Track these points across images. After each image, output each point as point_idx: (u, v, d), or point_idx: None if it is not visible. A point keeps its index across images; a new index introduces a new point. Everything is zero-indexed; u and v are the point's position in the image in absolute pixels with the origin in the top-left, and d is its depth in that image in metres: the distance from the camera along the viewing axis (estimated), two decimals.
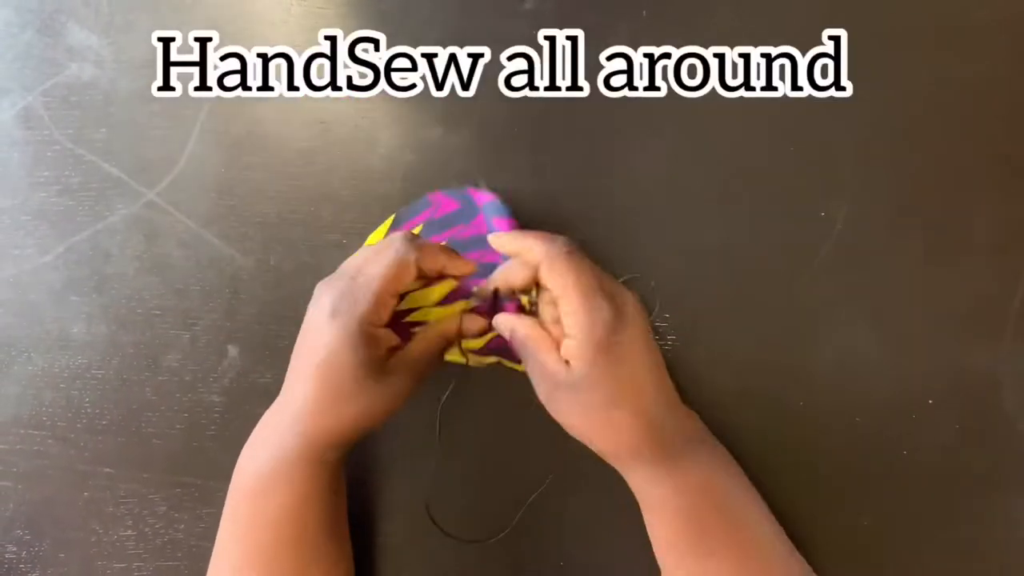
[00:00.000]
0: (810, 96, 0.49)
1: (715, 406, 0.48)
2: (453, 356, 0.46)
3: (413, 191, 0.50)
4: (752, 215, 0.49)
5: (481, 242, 0.45)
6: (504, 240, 0.42)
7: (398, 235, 0.42)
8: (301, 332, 0.43)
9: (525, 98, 0.50)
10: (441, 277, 0.43)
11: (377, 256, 0.41)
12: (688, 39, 0.50)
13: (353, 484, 0.47)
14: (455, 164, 0.50)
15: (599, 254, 0.49)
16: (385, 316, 0.40)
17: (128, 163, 0.51)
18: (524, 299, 0.44)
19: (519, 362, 0.43)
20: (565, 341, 0.40)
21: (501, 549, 0.49)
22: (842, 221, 0.49)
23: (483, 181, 0.49)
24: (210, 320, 0.51)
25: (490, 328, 0.43)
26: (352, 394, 0.40)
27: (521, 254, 0.41)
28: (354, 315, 0.39)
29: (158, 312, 0.51)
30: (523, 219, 0.49)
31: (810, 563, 0.45)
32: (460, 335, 0.42)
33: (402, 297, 0.42)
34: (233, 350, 0.51)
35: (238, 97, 0.51)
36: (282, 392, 0.43)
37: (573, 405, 0.40)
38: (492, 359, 0.47)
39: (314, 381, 0.40)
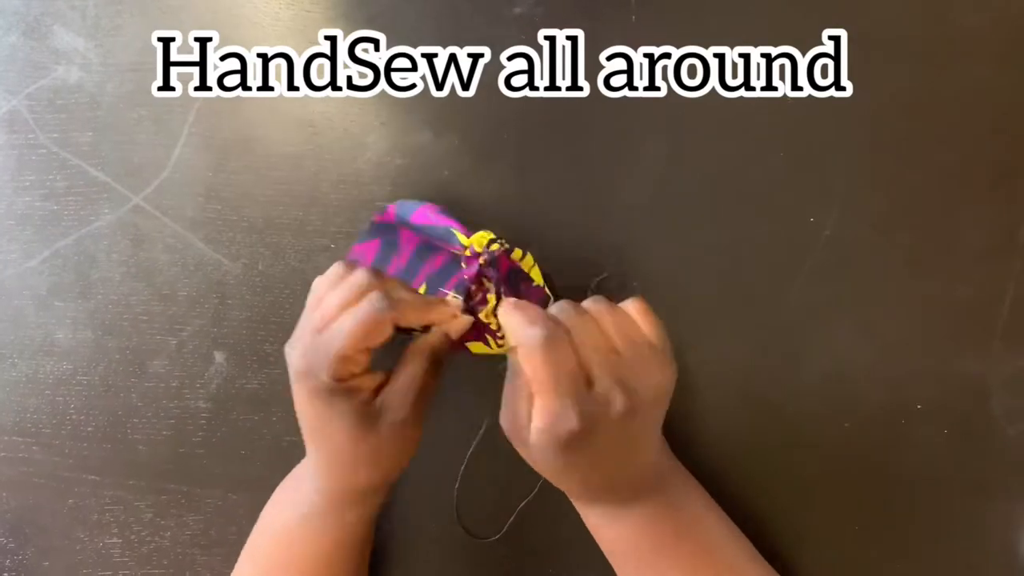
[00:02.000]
0: (802, 99, 0.49)
1: (703, 411, 0.48)
2: (479, 348, 0.43)
3: (402, 195, 0.50)
4: (741, 220, 0.49)
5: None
6: (501, 316, 0.37)
7: (371, 287, 0.37)
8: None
9: (516, 100, 0.50)
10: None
11: (349, 311, 0.37)
12: (678, 44, 0.50)
13: None
14: (444, 168, 0.50)
15: (588, 257, 0.49)
16: (357, 368, 0.37)
17: (114, 167, 0.51)
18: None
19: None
20: (533, 412, 0.35)
21: (491, 554, 0.48)
22: (831, 227, 0.49)
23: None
24: (197, 326, 0.50)
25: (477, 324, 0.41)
26: (350, 448, 0.38)
27: (509, 334, 0.36)
28: (320, 378, 0.36)
29: (144, 318, 0.51)
30: (511, 223, 0.49)
31: (798, 568, 0.45)
32: (445, 345, 0.40)
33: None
34: (220, 356, 0.50)
35: (223, 100, 0.51)
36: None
37: (526, 456, 0.37)
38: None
39: (312, 445, 0.39)
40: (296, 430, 0.49)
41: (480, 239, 0.43)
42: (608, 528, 0.41)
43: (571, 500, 0.42)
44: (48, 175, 0.51)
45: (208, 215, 0.51)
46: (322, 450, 0.39)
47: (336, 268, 0.39)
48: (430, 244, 0.46)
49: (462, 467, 0.49)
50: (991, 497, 0.48)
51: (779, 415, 0.49)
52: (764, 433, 0.49)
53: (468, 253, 0.42)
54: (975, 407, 0.48)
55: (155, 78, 0.51)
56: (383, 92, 0.51)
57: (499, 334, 0.42)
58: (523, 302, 0.37)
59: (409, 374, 0.38)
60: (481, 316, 0.42)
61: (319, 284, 0.40)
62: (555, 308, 0.37)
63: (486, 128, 0.50)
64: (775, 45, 0.49)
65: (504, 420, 0.37)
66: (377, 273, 0.38)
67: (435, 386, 0.39)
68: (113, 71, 0.51)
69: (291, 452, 0.45)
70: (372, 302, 0.36)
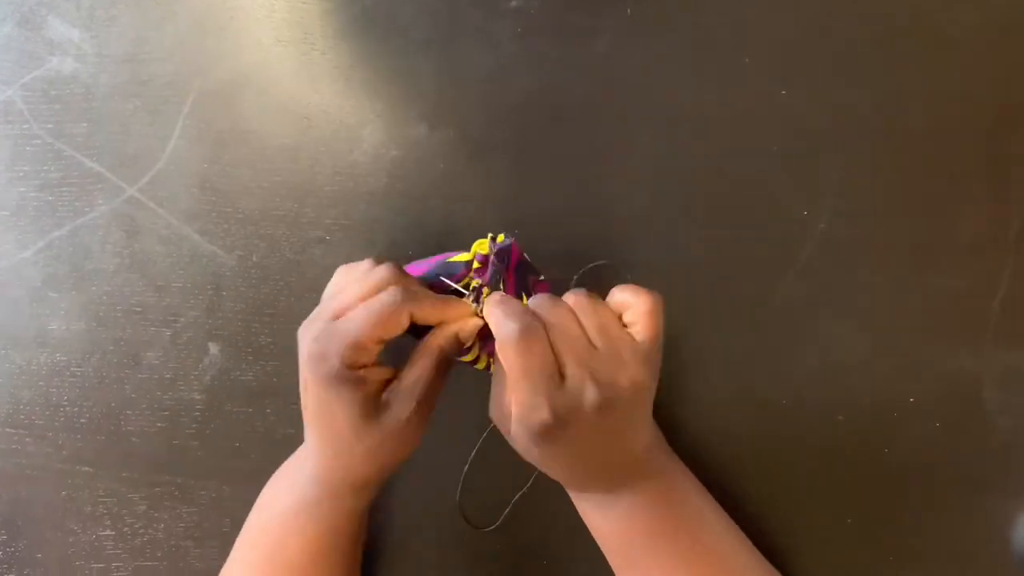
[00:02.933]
0: (796, 93, 0.50)
1: (698, 405, 0.49)
2: (472, 359, 0.43)
3: (398, 188, 0.50)
4: (735, 214, 0.49)
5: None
6: (485, 310, 0.38)
7: (391, 282, 0.38)
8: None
9: (512, 94, 0.50)
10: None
11: (366, 301, 0.37)
12: (672, 39, 0.50)
13: None
14: (440, 161, 0.50)
15: (582, 253, 0.49)
16: (368, 359, 0.37)
17: (109, 158, 0.51)
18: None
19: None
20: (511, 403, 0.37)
21: (486, 544, 0.49)
22: (825, 221, 0.49)
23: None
24: (191, 317, 0.50)
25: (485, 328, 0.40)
26: (351, 439, 0.38)
27: (490, 326, 0.37)
28: (331, 363, 0.36)
29: (139, 309, 0.50)
30: (506, 216, 0.49)
31: (792, 562, 0.45)
32: (454, 347, 0.39)
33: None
34: (214, 348, 0.50)
35: (218, 91, 0.51)
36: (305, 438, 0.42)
37: (511, 443, 0.38)
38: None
39: (313, 431, 0.39)
40: (290, 422, 0.50)
41: (482, 244, 0.42)
42: (600, 517, 0.42)
43: (565, 489, 0.42)
44: (43, 166, 0.51)
45: (203, 207, 0.51)
46: (323, 437, 0.39)
47: (363, 263, 0.40)
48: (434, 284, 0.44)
49: (466, 465, 0.49)
50: (983, 490, 0.48)
51: (772, 409, 0.49)
52: (757, 427, 0.49)
53: (477, 264, 0.41)
54: (967, 401, 0.48)
55: (149, 69, 0.51)
56: (379, 84, 0.51)
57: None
58: (507, 297, 0.38)
59: (417, 372, 0.38)
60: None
61: (341, 274, 0.41)
62: (534, 301, 0.37)
63: (482, 121, 0.50)
64: (761, 46, 0.50)
65: (492, 410, 0.39)
66: (400, 270, 0.39)
67: (441, 387, 0.39)
68: (108, 62, 0.51)
69: (285, 444, 0.45)
70: (391, 294, 0.37)
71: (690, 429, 0.48)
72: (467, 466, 0.49)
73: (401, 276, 0.39)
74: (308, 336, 0.38)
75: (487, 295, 0.41)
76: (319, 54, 0.51)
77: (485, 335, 0.41)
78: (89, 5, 0.52)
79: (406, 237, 0.50)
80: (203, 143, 0.51)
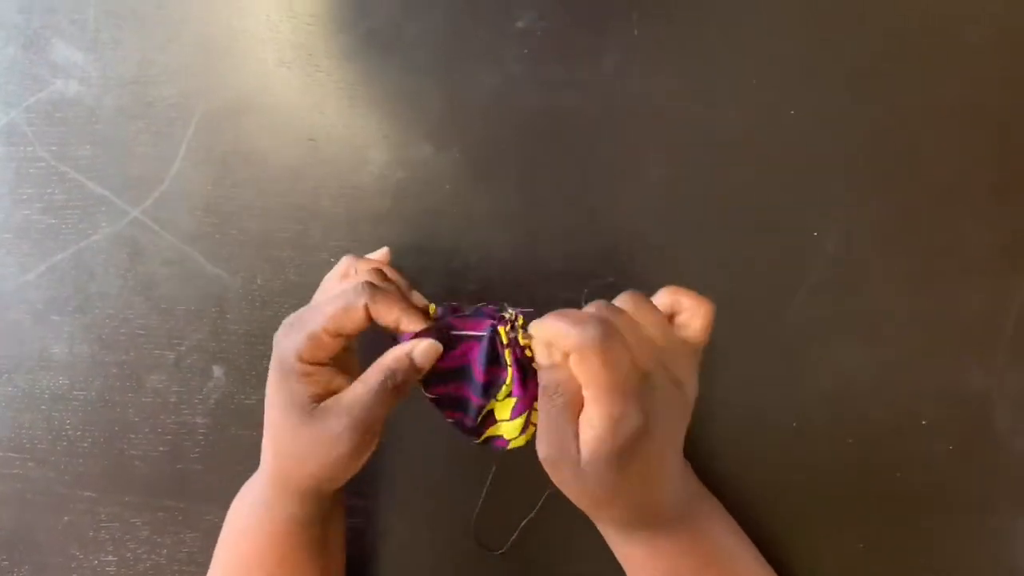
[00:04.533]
0: (804, 113, 0.49)
1: (707, 426, 0.48)
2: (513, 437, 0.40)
3: (403, 209, 0.50)
4: (744, 235, 0.49)
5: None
6: (540, 329, 0.35)
7: (358, 280, 0.38)
8: None
9: (518, 114, 0.50)
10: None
11: (332, 295, 0.38)
12: (679, 59, 0.50)
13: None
14: (445, 181, 0.50)
15: (588, 272, 0.49)
16: (322, 355, 0.37)
17: (113, 181, 0.51)
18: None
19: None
20: (584, 424, 0.34)
21: (496, 567, 0.48)
22: (834, 241, 0.49)
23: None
24: (195, 340, 0.50)
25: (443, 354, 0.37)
26: (286, 437, 0.37)
27: (553, 343, 0.35)
28: (288, 348, 0.37)
29: (142, 332, 0.50)
30: (512, 237, 0.49)
31: None
32: (406, 371, 0.37)
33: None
34: (218, 371, 0.50)
35: (222, 113, 0.51)
36: None
37: (572, 482, 0.35)
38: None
39: (266, 429, 0.40)
40: None
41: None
42: (642, 557, 0.40)
43: (604, 531, 0.41)
44: (46, 188, 0.51)
45: (207, 229, 0.50)
46: (268, 430, 0.39)
47: (343, 260, 0.41)
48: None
49: (485, 486, 0.48)
50: (996, 512, 0.48)
51: (782, 430, 0.48)
52: (766, 448, 0.48)
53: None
54: (980, 422, 0.48)
55: (154, 91, 0.51)
56: (384, 104, 0.50)
57: (498, 428, 0.39)
58: (563, 310, 0.35)
59: (359, 389, 0.37)
60: (498, 400, 0.39)
61: (327, 276, 0.43)
62: (593, 307, 0.36)
63: (488, 142, 0.50)
64: (765, 65, 0.49)
65: (546, 448, 0.35)
66: (379, 271, 0.39)
67: (384, 411, 0.37)
68: (112, 84, 0.51)
69: None
70: (353, 289, 0.37)
71: (699, 450, 0.48)
72: (486, 487, 0.48)
73: (375, 275, 0.39)
74: (284, 323, 0.39)
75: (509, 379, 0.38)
76: (324, 75, 0.51)
77: (523, 386, 0.38)
78: (94, 28, 0.51)
79: (412, 258, 0.50)
80: (207, 165, 0.51)
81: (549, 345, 0.35)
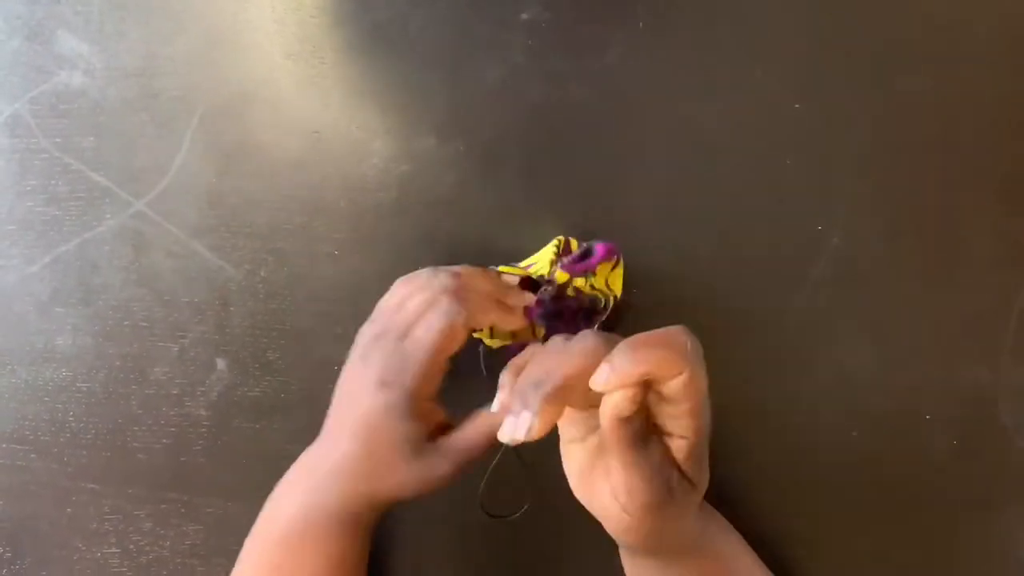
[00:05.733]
0: (809, 106, 0.49)
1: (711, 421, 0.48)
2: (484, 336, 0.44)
3: (408, 202, 0.50)
4: (748, 228, 0.49)
5: None
6: (628, 366, 0.30)
7: (444, 291, 0.38)
8: (344, 380, 0.40)
9: (522, 106, 0.50)
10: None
11: (424, 315, 0.38)
12: (685, 51, 0.50)
13: None
14: (450, 174, 0.50)
15: None
16: (434, 389, 0.38)
17: (117, 172, 0.51)
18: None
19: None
20: (674, 442, 0.33)
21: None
22: (838, 235, 0.49)
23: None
24: (199, 333, 0.50)
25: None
26: (391, 466, 0.38)
27: (654, 375, 0.30)
28: (404, 387, 0.37)
29: (145, 324, 0.50)
30: (516, 229, 0.49)
31: None
32: (494, 440, 0.37)
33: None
34: (222, 363, 0.50)
35: (227, 105, 0.51)
36: (322, 438, 0.41)
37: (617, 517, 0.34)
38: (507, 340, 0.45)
39: (357, 443, 0.38)
40: (298, 439, 0.48)
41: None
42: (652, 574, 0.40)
43: (624, 549, 0.40)
44: (50, 180, 0.51)
45: (211, 221, 0.50)
46: (366, 451, 0.38)
47: (423, 272, 0.41)
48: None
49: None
50: (1000, 508, 0.48)
51: (786, 425, 0.48)
52: (770, 443, 0.48)
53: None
54: (983, 418, 0.48)
55: (158, 83, 0.51)
56: (388, 97, 0.50)
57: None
58: (633, 338, 0.31)
59: (469, 442, 0.38)
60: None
61: (400, 285, 0.42)
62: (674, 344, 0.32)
63: (493, 134, 0.50)
64: (773, 58, 0.49)
65: (651, 494, 0.32)
66: (456, 274, 0.40)
67: (480, 457, 0.38)
68: (117, 76, 0.51)
69: (293, 461, 0.44)
70: (444, 305, 0.38)
71: None
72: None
73: (456, 284, 0.39)
74: (379, 353, 0.38)
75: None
76: (328, 68, 0.51)
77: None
78: (98, 19, 0.51)
79: (416, 251, 0.50)
80: (212, 157, 0.51)
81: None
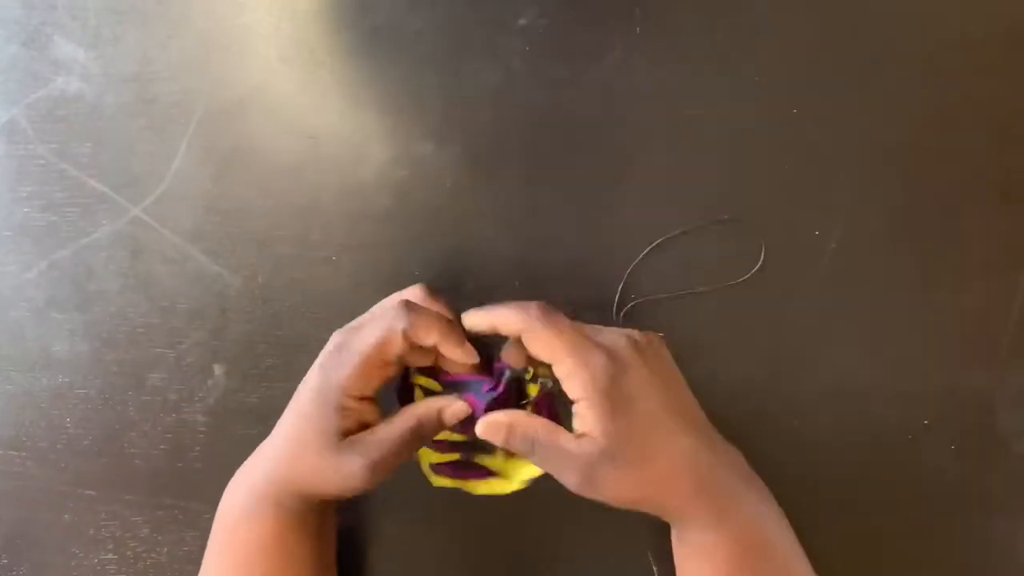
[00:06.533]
0: (807, 110, 0.49)
1: None
2: (424, 462, 0.44)
3: (405, 207, 0.50)
4: (746, 233, 0.49)
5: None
6: (477, 318, 0.39)
7: (397, 302, 0.40)
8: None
9: (520, 111, 0.50)
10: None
11: (373, 321, 0.39)
12: (682, 56, 0.50)
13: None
14: (447, 179, 0.50)
15: (591, 269, 0.49)
16: (368, 389, 0.38)
17: (114, 178, 0.51)
18: (532, 389, 0.42)
19: (480, 478, 0.43)
20: (574, 408, 0.37)
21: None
22: (836, 239, 0.49)
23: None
24: (196, 338, 0.50)
25: (472, 424, 0.39)
26: (308, 452, 0.38)
27: (498, 328, 0.39)
28: (333, 379, 0.38)
29: (142, 330, 0.50)
30: (515, 235, 0.49)
31: None
32: (433, 425, 0.39)
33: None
34: (219, 369, 0.50)
35: (223, 110, 0.51)
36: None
37: (615, 476, 0.37)
38: (452, 481, 0.44)
39: (286, 427, 0.40)
40: None
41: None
42: (702, 535, 0.40)
43: (670, 519, 0.40)
44: (47, 186, 0.51)
45: (208, 227, 0.50)
46: (291, 436, 0.40)
47: (413, 289, 0.43)
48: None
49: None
50: (998, 513, 0.47)
51: (784, 430, 0.48)
52: (767, 449, 0.48)
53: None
54: (982, 423, 0.48)
55: (155, 88, 0.51)
56: (386, 102, 0.50)
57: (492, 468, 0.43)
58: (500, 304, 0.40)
59: (387, 433, 0.38)
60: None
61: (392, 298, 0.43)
62: (516, 307, 0.39)
63: (490, 139, 0.50)
64: (771, 63, 0.49)
65: (568, 475, 0.37)
66: (429, 294, 0.42)
67: (405, 458, 0.39)
68: (113, 81, 0.51)
69: None
70: (390, 313, 0.39)
71: None
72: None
73: (405, 301, 0.40)
74: (330, 345, 0.40)
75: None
76: (326, 72, 0.50)
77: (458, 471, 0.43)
78: (95, 24, 0.51)
79: (414, 256, 0.50)
80: (209, 163, 0.50)
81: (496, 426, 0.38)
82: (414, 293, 0.42)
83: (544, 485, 0.47)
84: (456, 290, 0.49)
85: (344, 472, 0.38)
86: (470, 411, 0.39)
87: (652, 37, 0.50)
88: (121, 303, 0.50)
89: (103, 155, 0.51)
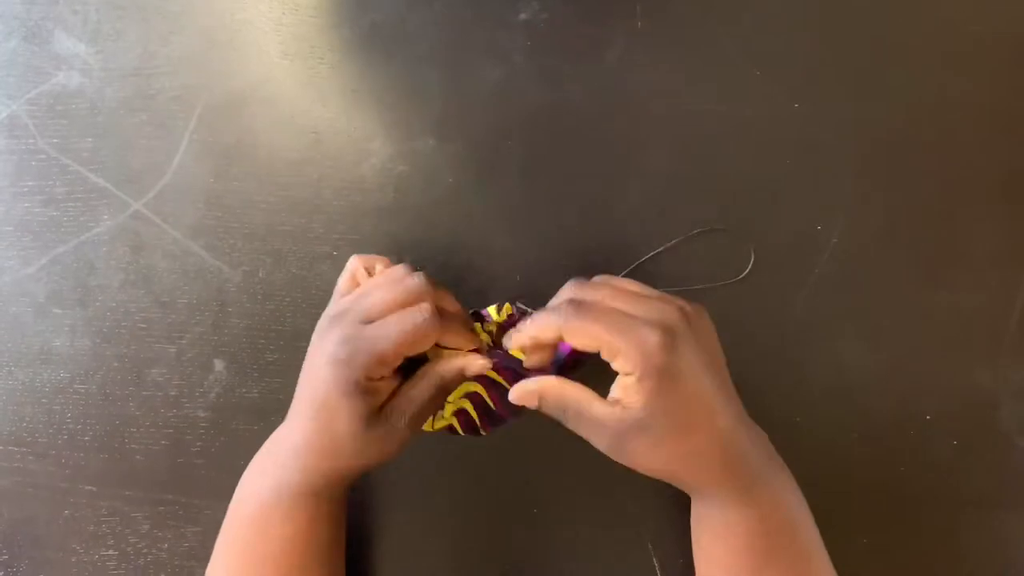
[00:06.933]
0: (808, 107, 0.49)
1: None
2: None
3: (406, 202, 0.50)
4: (747, 229, 0.49)
5: None
6: (520, 339, 0.39)
7: (424, 297, 0.39)
8: (305, 364, 0.41)
9: (520, 107, 0.50)
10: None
11: (400, 314, 0.38)
12: (683, 51, 0.50)
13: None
14: (448, 175, 0.50)
15: (591, 265, 0.49)
16: (388, 373, 0.39)
17: (115, 173, 0.51)
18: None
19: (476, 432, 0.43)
20: (621, 381, 0.37)
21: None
22: (838, 235, 0.49)
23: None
24: (196, 334, 0.50)
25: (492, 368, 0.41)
26: (346, 441, 0.39)
27: (540, 339, 0.38)
28: (355, 368, 0.37)
29: (143, 325, 0.50)
30: (515, 230, 0.48)
31: None
32: (460, 376, 0.40)
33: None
34: (220, 364, 0.50)
35: (225, 105, 0.50)
36: (287, 420, 0.42)
37: (647, 446, 0.37)
38: (446, 423, 0.45)
39: (313, 423, 0.39)
40: None
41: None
42: (724, 512, 0.40)
43: (695, 494, 0.41)
44: (47, 181, 0.51)
45: (209, 222, 0.50)
46: (321, 430, 0.39)
47: (398, 268, 0.42)
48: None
49: None
50: (1000, 509, 0.47)
51: (786, 426, 0.48)
52: (772, 443, 0.48)
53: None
54: (984, 419, 0.48)
55: (156, 83, 0.51)
56: (387, 97, 0.50)
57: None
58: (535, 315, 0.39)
59: (417, 392, 0.39)
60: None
61: (358, 264, 0.43)
62: (565, 289, 0.40)
63: (491, 135, 0.50)
64: (770, 58, 0.49)
65: (600, 439, 0.38)
66: (433, 285, 0.40)
67: (433, 411, 0.41)
68: (114, 76, 0.51)
69: None
70: (424, 312, 0.38)
71: None
72: None
73: (433, 290, 0.40)
74: (335, 334, 0.38)
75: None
76: (327, 68, 0.50)
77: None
78: (96, 19, 0.51)
79: (414, 251, 0.49)
80: (209, 158, 0.50)
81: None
82: (421, 284, 0.41)
83: (545, 484, 0.47)
84: (457, 285, 0.49)
85: (385, 441, 0.39)
86: (491, 365, 0.40)
87: (653, 32, 0.50)
88: (122, 298, 0.50)
89: (104, 150, 0.51)
